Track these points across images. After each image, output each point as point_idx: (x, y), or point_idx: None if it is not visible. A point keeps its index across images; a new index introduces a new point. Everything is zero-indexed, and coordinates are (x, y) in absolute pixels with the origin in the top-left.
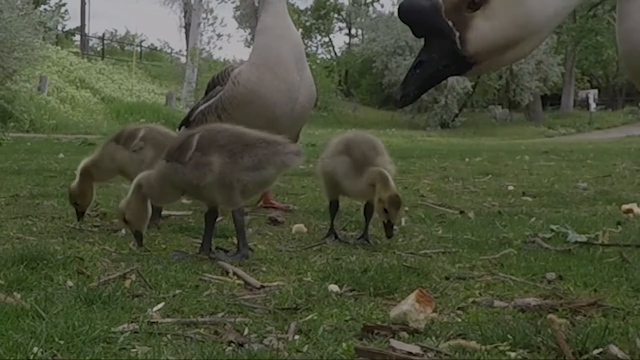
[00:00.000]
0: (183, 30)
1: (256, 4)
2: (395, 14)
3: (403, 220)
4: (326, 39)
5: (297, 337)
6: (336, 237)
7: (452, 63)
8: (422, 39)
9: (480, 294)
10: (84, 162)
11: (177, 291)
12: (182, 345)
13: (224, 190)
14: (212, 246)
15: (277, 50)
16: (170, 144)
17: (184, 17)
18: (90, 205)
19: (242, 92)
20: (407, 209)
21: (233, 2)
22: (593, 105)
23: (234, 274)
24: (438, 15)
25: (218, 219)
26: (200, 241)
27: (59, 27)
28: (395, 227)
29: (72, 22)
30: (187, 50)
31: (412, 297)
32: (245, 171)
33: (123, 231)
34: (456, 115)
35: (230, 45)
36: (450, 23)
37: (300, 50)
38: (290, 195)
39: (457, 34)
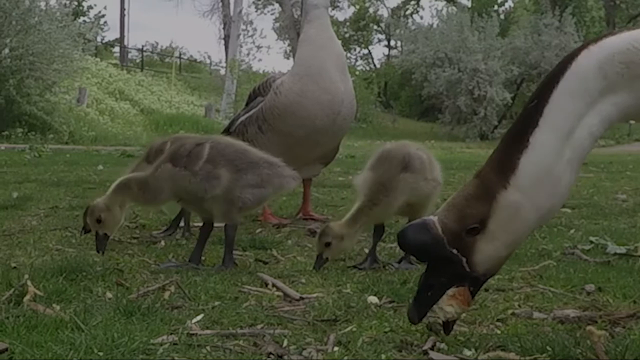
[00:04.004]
0: (222, 42)
1: (295, 16)
2: (435, 25)
3: None
4: (365, 51)
5: (336, 348)
6: (376, 261)
7: (463, 282)
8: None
9: (519, 305)
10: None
11: (217, 303)
12: (222, 357)
13: (226, 204)
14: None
15: (320, 61)
16: (175, 148)
17: (224, 28)
18: (129, 217)
19: (284, 103)
20: None
21: (272, 14)
22: None
23: (273, 285)
24: (442, 247)
25: (257, 231)
26: (239, 253)
27: (98, 39)
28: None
29: (112, 34)
30: (226, 61)
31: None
32: (248, 188)
33: (162, 242)
34: (495, 127)
35: (269, 56)
36: (455, 251)
37: (343, 61)
38: (329, 207)
39: (464, 259)
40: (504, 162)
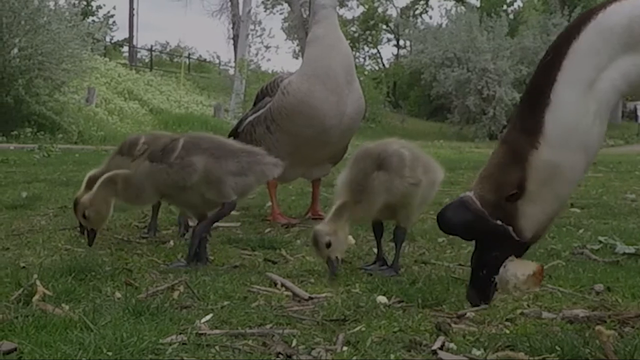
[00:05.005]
0: (231, 41)
1: (304, 16)
2: (444, 25)
3: None
4: (374, 51)
5: (345, 348)
6: (385, 263)
7: (513, 252)
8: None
9: (528, 305)
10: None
11: (225, 303)
12: (230, 356)
13: (212, 185)
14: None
15: (327, 61)
16: (153, 146)
17: (232, 28)
18: (138, 217)
19: (291, 103)
20: None
21: (281, 14)
22: None
23: (282, 285)
24: (485, 221)
25: (266, 231)
26: (248, 252)
27: (107, 39)
28: (334, 263)
29: (120, 34)
30: (235, 61)
31: (533, 267)
32: (231, 176)
33: (171, 242)
34: (504, 127)
35: (278, 56)
36: (499, 222)
37: (350, 61)
38: None
39: (510, 228)
40: (529, 123)
